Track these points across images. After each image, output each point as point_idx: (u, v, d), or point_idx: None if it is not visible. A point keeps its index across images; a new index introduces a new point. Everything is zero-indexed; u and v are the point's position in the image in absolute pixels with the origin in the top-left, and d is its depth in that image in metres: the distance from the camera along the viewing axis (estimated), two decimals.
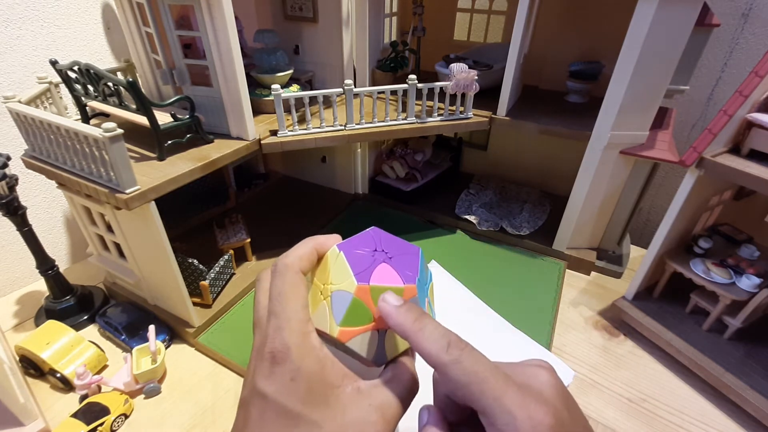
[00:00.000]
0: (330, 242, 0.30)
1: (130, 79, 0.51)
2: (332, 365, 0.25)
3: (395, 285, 0.27)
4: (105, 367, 0.61)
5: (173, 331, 0.65)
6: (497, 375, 0.22)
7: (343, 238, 0.31)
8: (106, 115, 0.63)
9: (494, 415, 0.21)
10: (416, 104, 0.72)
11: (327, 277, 0.28)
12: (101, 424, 0.51)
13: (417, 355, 0.28)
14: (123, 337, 0.63)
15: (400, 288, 0.27)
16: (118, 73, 0.66)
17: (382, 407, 0.25)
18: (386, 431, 0.24)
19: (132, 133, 0.57)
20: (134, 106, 0.54)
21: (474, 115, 0.74)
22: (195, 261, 0.64)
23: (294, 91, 0.72)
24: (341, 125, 0.70)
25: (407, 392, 0.26)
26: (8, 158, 0.58)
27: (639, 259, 0.66)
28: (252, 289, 0.72)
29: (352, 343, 0.27)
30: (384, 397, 0.25)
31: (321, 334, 0.27)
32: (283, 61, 0.73)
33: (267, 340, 0.25)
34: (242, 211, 0.83)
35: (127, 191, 0.48)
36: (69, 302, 0.67)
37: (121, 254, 0.63)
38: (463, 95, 0.71)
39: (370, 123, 0.71)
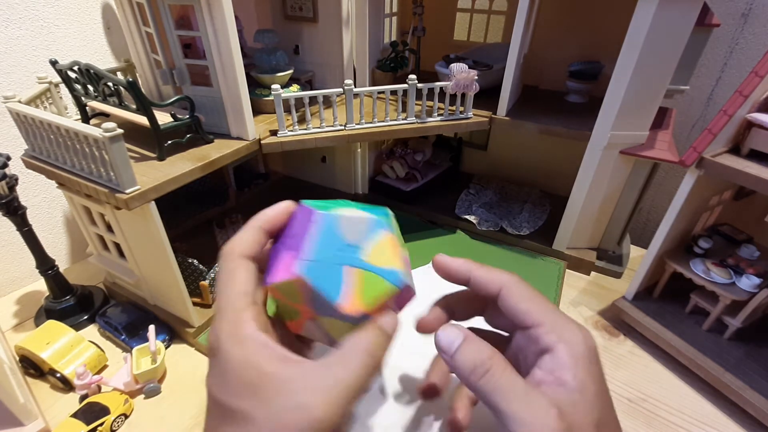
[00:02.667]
0: (278, 215, 0.28)
1: (130, 79, 0.51)
2: (270, 350, 0.23)
3: (286, 279, 0.24)
4: (105, 367, 0.61)
5: (173, 331, 0.65)
6: (516, 389, 0.22)
7: None
8: (106, 115, 0.63)
9: (510, 423, 0.22)
10: (416, 104, 0.72)
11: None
12: (101, 424, 0.51)
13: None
14: (123, 337, 0.63)
15: (290, 281, 0.24)
16: (118, 73, 0.66)
17: (325, 387, 0.22)
18: (330, 415, 0.21)
19: (132, 133, 0.57)
20: (134, 106, 0.54)
21: (474, 115, 0.74)
22: (195, 261, 0.64)
23: (294, 91, 0.72)
24: (341, 125, 0.70)
25: (359, 367, 0.23)
26: (8, 158, 0.58)
27: (639, 259, 0.66)
28: None
29: (303, 332, 0.26)
30: (329, 376, 0.22)
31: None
32: (283, 61, 0.73)
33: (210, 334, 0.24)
34: (242, 211, 0.83)
35: (127, 191, 0.48)
36: (69, 302, 0.67)
37: (121, 254, 0.63)
38: (463, 95, 0.71)
39: (370, 123, 0.71)
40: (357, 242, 0.24)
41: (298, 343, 0.29)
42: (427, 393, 0.31)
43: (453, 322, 0.27)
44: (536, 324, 0.24)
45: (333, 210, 0.25)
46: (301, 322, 0.26)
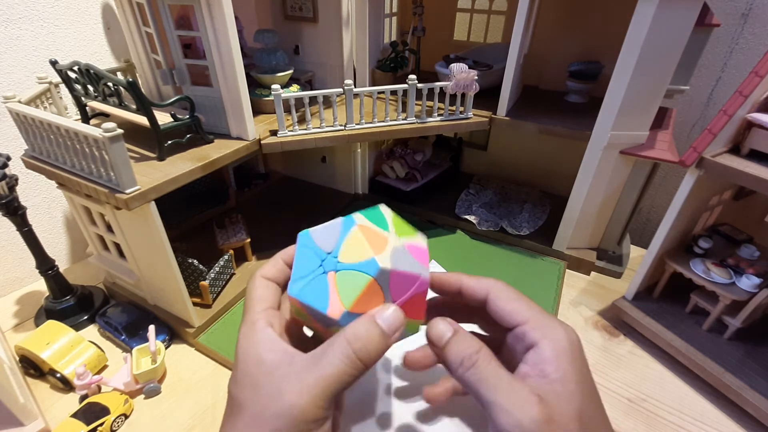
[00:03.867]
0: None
1: (130, 79, 0.51)
2: (271, 343, 0.25)
3: (291, 305, 0.27)
4: (105, 367, 0.61)
5: (173, 331, 0.65)
6: (500, 380, 0.23)
7: None
8: (106, 115, 0.63)
9: (494, 411, 0.23)
10: (416, 104, 0.72)
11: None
12: (101, 424, 0.51)
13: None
14: (123, 337, 0.63)
15: (293, 306, 0.26)
16: (118, 73, 0.66)
17: (302, 376, 0.23)
18: (305, 404, 0.22)
19: (132, 133, 0.57)
20: (134, 106, 0.54)
21: (474, 115, 0.74)
22: (195, 261, 0.64)
23: (294, 91, 0.72)
24: (341, 125, 0.70)
25: (341, 359, 0.23)
26: (8, 158, 0.58)
27: (639, 259, 0.66)
28: None
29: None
30: (308, 366, 0.23)
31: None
32: (283, 61, 0.73)
33: None
34: (242, 211, 0.83)
35: (127, 191, 0.48)
36: (69, 302, 0.67)
37: (121, 254, 0.63)
38: (463, 95, 0.71)
39: (370, 123, 0.71)
40: (334, 248, 0.25)
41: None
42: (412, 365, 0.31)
43: (443, 318, 0.27)
44: (522, 322, 0.26)
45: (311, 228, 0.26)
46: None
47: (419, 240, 0.28)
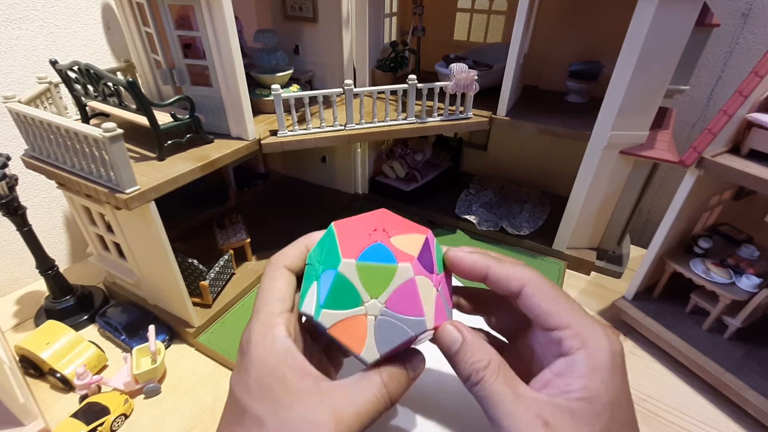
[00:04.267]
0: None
1: (130, 79, 0.51)
2: (292, 359, 0.24)
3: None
4: (105, 367, 0.61)
5: (173, 331, 0.65)
6: (505, 399, 0.22)
7: None
8: (106, 115, 0.63)
9: (496, 429, 0.22)
10: (416, 104, 0.72)
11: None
12: (101, 424, 0.51)
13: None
14: (123, 337, 0.63)
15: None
16: (118, 73, 0.66)
17: (337, 407, 0.22)
18: None
19: (132, 133, 0.57)
20: (134, 106, 0.54)
21: (474, 115, 0.74)
22: (195, 261, 0.64)
23: (294, 91, 0.72)
24: (341, 125, 0.70)
25: (373, 396, 0.23)
26: (8, 158, 0.58)
27: (639, 259, 0.66)
28: (252, 289, 0.72)
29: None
30: (342, 398, 0.23)
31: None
32: (283, 61, 0.73)
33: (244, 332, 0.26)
34: (242, 211, 0.83)
35: (127, 191, 0.48)
36: (69, 302, 0.67)
37: (121, 254, 0.63)
38: (463, 95, 0.71)
39: (370, 123, 0.71)
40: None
41: (325, 360, 0.29)
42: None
43: (455, 320, 0.26)
44: (560, 327, 0.23)
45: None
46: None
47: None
